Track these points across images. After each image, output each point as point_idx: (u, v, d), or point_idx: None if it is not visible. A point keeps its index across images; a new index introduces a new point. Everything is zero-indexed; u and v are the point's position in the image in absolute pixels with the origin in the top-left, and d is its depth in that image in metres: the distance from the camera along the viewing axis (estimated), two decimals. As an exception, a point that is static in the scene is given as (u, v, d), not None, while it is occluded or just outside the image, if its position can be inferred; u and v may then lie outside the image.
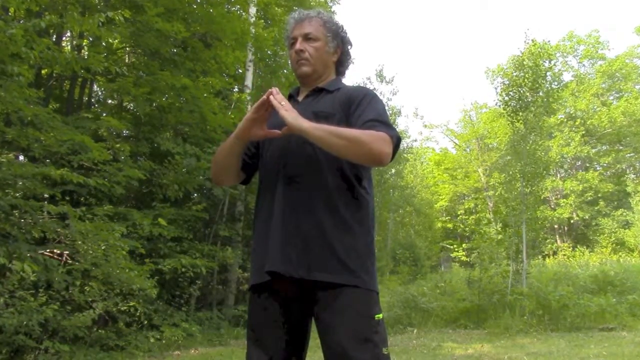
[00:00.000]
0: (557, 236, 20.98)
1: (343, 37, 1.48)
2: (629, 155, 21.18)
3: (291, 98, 1.47)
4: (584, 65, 22.51)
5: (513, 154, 9.29)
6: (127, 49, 8.06)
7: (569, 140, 20.31)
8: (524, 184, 8.41)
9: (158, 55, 7.18)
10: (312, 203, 1.28)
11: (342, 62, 1.50)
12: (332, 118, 1.32)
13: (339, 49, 1.48)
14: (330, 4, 12.61)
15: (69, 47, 7.77)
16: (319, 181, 1.29)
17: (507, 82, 9.43)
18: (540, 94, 9.05)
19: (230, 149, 1.39)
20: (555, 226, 20.84)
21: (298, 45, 1.42)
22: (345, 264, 1.25)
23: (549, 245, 19.02)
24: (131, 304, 5.55)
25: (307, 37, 1.43)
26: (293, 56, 1.44)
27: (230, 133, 1.43)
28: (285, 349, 1.30)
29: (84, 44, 7.41)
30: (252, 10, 9.26)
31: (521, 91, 8.87)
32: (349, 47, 1.50)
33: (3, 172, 4.47)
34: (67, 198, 5.52)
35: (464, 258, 20.09)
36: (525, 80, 8.84)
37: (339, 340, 1.21)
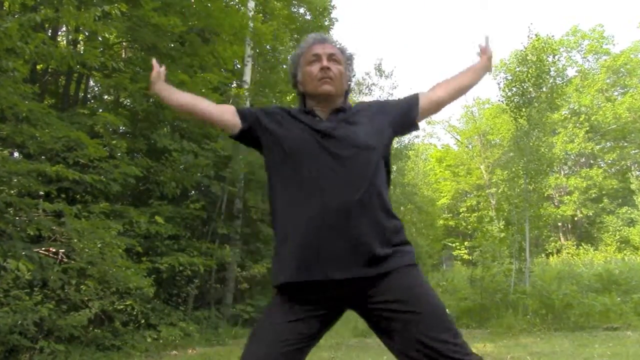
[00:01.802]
0: (561, 234, 20.85)
1: (353, 69, 1.51)
2: (633, 151, 20.96)
3: (309, 114, 1.41)
4: (588, 60, 22.31)
5: (516, 151, 9.15)
6: (124, 43, 7.97)
7: (573, 137, 20.14)
8: (527, 181, 8.29)
9: (155, 50, 7.08)
10: None
11: (348, 92, 1.50)
12: (375, 150, 1.35)
13: (351, 79, 1.50)
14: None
15: (65, 42, 7.70)
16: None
17: (510, 78, 9.28)
18: (544, 89, 8.92)
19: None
20: (559, 224, 20.70)
21: (325, 63, 1.39)
22: None
23: (553, 243, 18.93)
24: (128, 303, 5.48)
25: (331, 58, 1.41)
26: (315, 73, 1.40)
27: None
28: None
29: (80, 38, 7.31)
30: (251, 4, 9.13)
31: (524, 87, 8.74)
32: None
33: (-3, 169, 4.41)
34: (63, 195, 5.45)
35: (466, 256, 20.03)
36: (529, 75, 8.70)
37: None
